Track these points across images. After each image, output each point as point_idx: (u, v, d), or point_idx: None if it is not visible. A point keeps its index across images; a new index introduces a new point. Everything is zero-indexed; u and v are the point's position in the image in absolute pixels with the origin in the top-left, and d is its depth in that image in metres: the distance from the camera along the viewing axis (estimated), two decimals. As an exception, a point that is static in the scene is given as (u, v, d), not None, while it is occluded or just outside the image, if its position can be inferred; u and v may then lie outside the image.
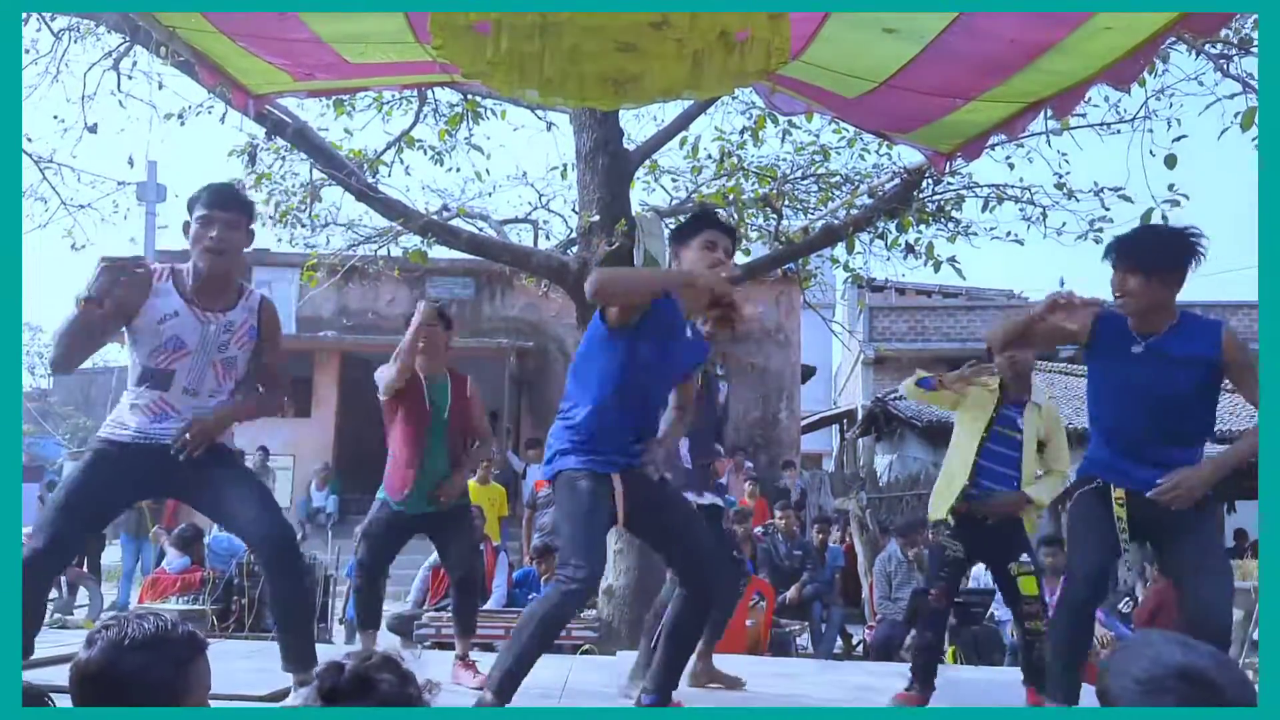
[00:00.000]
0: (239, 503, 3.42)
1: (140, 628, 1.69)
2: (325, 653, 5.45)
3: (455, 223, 7.91)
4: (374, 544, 4.53)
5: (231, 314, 3.47)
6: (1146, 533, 3.46)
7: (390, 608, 7.13)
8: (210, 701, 1.78)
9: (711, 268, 3.45)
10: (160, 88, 7.48)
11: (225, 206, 3.41)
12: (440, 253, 8.91)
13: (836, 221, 7.82)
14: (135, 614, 1.78)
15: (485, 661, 3.68)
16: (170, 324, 3.38)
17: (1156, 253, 3.32)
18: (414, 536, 4.66)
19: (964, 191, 7.77)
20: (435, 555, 7.16)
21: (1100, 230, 7.30)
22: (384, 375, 4.33)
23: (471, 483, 8.82)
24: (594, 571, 3.25)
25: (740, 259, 7.07)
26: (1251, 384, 3.24)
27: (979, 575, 8.32)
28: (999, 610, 7.62)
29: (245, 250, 3.51)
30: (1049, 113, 3.85)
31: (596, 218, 7.05)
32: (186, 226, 3.42)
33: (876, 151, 7.98)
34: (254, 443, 12.75)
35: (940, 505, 4.30)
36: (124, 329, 3.43)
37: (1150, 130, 6.37)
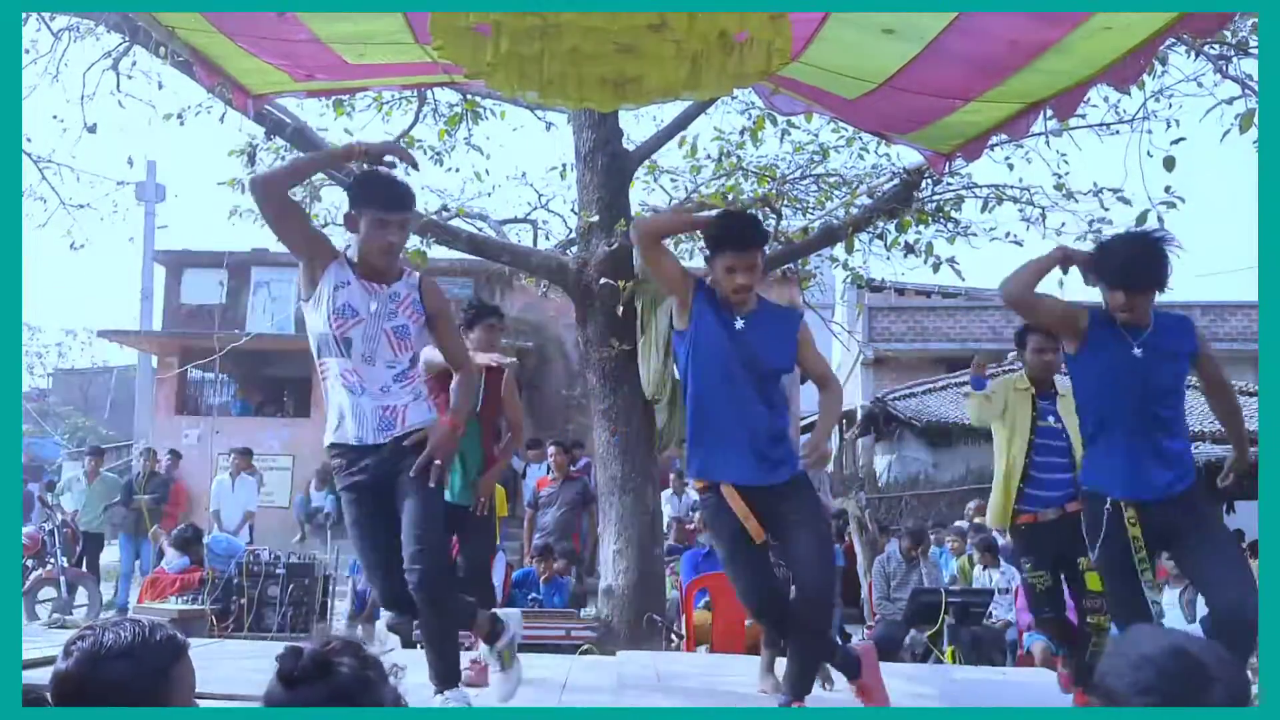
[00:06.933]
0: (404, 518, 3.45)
1: (117, 635, 1.64)
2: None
3: (455, 223, 7.90)
4: None
5: (396, 286, 3.52)
6: (1160, 543, 3.59)
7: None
8: (209, 702, 1.78)
9: (734, 293, 3.59)
10: (160, 88, 7.46)
11: (398, 208, 3.46)
12: (440, 253, 8.90)
13: (836, 221, 7.80)
14: (112, 620, 1.73)
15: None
16: (342, 292, 3.45)
17: (1161, 271, 3.51)
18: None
19: (963, 192, 7.76)
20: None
21: (1099, 231, 7.26)
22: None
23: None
24: None
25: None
26: (1215, 372, 3.65)
27: (980, 576, 8.32)
28: (998, 610, 7.62)
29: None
30: (1049, 113, 3.85)
31: (596, 218, 7.06)
32: (351, 219, 3.44)
33: (876, 151, 7.97)
34: (253, 443, 12.75)
35: (998, 512, 4.37)
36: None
37: (1149, 131, 6.38)
